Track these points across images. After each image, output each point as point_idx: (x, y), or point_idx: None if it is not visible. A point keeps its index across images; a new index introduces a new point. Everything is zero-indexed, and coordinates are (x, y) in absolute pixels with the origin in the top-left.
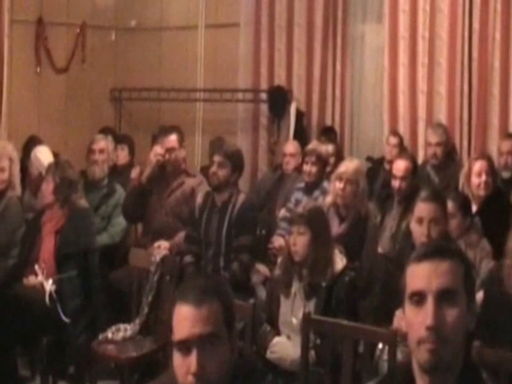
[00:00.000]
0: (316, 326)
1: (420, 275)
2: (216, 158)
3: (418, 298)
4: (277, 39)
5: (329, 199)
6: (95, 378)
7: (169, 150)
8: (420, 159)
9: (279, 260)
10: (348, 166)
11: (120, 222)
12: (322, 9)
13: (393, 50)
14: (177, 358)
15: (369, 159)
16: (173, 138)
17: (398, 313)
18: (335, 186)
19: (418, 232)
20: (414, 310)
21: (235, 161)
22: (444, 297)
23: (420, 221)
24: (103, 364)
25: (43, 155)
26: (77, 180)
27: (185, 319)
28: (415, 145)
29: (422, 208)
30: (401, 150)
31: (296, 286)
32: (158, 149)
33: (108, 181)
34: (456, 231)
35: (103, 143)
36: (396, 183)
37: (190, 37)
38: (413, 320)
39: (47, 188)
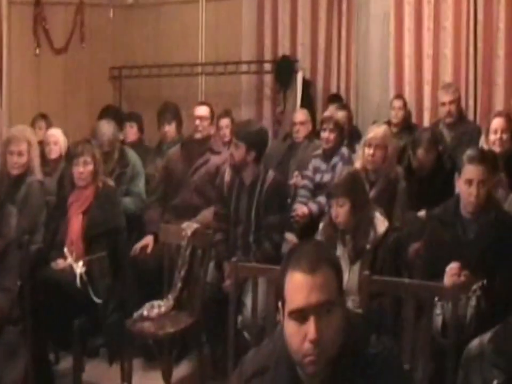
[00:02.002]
0: (376, 286)
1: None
2: (233, 139)
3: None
4: (281, 9)
5: (357, 164)
6: (129, 356)
7: (201, 118)
8: (426, 122)
9: (321, 226)
10: (376, 131)
11: (139, 192)
12: None
13: (398, 15)
14: (291, 326)
15: (375, 123)
16: (204, 109)
17: (449, 269)
18: (364, 152)
19: (466, 193)
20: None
21: (249, 141)
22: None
23: (469, 182)
24: (137, 342)
25: (57, 136)
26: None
27: (300, 287)
28: (420, 109)
29: (471, 170)
30: (406, 113)
31: (340, 251)
32: None
33: (117, 159)
34: None
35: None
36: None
37: (190, 11)
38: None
39: (85, 169)
